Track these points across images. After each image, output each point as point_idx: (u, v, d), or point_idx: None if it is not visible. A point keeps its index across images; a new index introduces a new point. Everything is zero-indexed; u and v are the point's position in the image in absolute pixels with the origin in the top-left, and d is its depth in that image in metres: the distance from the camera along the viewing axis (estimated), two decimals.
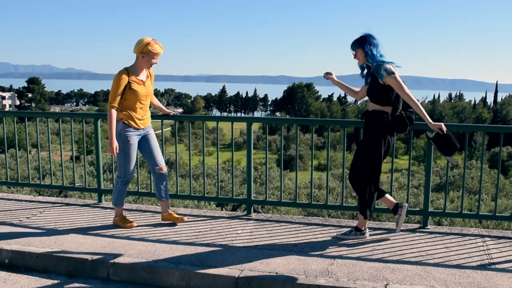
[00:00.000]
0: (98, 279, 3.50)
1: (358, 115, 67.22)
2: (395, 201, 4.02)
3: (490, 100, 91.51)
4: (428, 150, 4.33)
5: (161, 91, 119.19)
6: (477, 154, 41.83)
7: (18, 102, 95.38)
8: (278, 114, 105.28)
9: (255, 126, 32.17)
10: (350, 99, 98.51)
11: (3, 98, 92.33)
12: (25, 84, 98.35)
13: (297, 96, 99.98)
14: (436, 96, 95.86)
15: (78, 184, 5.90)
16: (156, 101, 4.46)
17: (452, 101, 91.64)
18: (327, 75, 4.22)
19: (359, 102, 63.34)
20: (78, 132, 15.02)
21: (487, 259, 3.56)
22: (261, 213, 6.28)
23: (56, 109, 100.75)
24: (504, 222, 7.66)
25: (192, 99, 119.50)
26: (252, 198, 4.84)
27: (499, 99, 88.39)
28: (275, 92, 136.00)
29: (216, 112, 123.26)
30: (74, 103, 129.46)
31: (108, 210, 4.91)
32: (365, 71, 3.90)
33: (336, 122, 6.19)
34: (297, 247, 3.81)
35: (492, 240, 3.98)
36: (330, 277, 3.23)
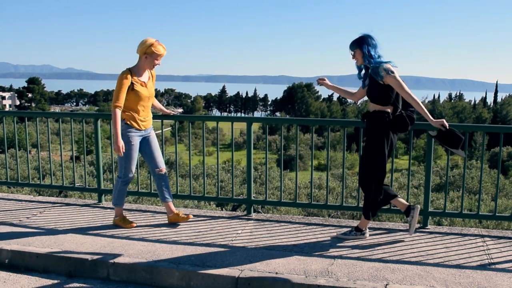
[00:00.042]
0: (98, 279, 3.50)
1: (358, 115, 67.26)
2: (407, 203, 3.98)
3: (490, 100, 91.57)
4: (428, 150, 4.32)
5: (161, 91, 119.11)
6: (477, 154, 41.85)
7: (18, 102, 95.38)
8: (278, 114, 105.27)
9: (255, 126, 31.91)
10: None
11: (3, 98, 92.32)
12: (25, 84, 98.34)
13: (297, 96, 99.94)
14: (436, 96, 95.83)
15: (78, 184, 5.90)
16: (156, 102, 4.47)
17: (452, 101, 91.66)
18: (320, 81, 4.17)
19: (358, 102, 63.39)
20: (78, 132, 15.03)
21: (487, 259, 3.56)
22: (261, 213, 6.28)
23: (56, 109, 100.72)
24: (504, 222, 7.66)
25: (192, 99, 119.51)
26: (252, 198, 4.84)
27: (499, 99, 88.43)
28: (275, 92, 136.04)
29: (216, 112, 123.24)
30: (74, 103, 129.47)
31: (108, 210, 4.91)
32: (363, 72, 3.88)
33: (336, 122, 6.19)
34: (297, 247, 3.81)
35: (492, 240, 3.98)
36: (330, 277, 3.23)
